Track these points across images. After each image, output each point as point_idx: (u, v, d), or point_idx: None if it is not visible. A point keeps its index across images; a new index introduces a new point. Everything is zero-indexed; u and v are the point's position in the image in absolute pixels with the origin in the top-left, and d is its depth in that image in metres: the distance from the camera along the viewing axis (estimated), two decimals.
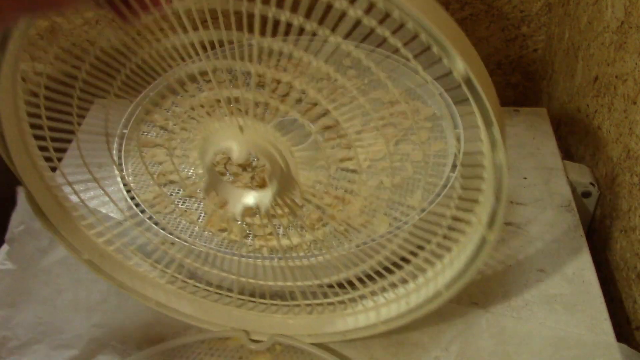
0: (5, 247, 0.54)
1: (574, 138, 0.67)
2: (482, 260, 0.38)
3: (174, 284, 0.48)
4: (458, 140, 0.54)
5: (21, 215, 0.56)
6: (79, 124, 0.38)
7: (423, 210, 0.48)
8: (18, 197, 0.57)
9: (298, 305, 0.46)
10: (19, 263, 0.53)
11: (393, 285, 0.44)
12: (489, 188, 0.35)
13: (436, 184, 0.52)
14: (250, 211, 0.38)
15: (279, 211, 0.39)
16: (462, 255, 0.39)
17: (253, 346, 0.46)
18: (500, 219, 0.36)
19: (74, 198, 0.44)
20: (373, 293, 0.45)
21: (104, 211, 0.48)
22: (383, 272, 0.43)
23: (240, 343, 0.46)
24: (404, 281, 0.43)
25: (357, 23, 0.28)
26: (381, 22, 0.28)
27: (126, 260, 0.47)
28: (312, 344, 0.46)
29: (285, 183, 0.37)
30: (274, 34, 0.30)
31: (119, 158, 0.54)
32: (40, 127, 0.39)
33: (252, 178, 0.52)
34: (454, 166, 0.52)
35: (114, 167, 0.53)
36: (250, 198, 0.39)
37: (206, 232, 0.49)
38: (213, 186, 0.39)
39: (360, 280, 0.44)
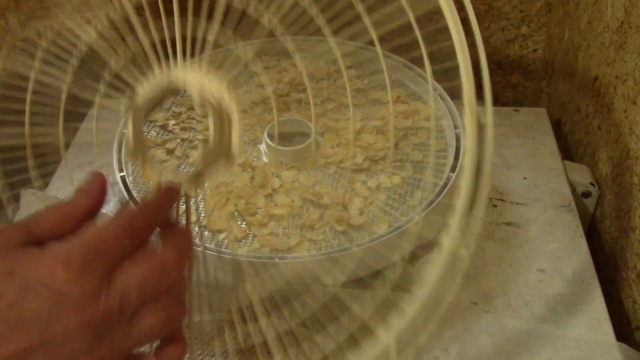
0: None
1: (574, 138, 0.67)
2: None
3: None
4: (458, 140, 0.54)
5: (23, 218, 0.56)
6: None
7: (423, 211, 0.48)
8: (20, 200, 0.57)
9: None
10: None
11: None
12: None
13: (436, 184, 0.52)
14: None
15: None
16: None
17: None
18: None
19: None
20: None
21: None
22: None
23: None
24: None
25: None
26: None
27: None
28: None
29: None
30: None
31: (119, 159, 0.54)
32: None
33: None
34: (454, 166, 0.52)
35: (115, 167, 0.53)
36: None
37: (206, 232, 0.49)
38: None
39: None
